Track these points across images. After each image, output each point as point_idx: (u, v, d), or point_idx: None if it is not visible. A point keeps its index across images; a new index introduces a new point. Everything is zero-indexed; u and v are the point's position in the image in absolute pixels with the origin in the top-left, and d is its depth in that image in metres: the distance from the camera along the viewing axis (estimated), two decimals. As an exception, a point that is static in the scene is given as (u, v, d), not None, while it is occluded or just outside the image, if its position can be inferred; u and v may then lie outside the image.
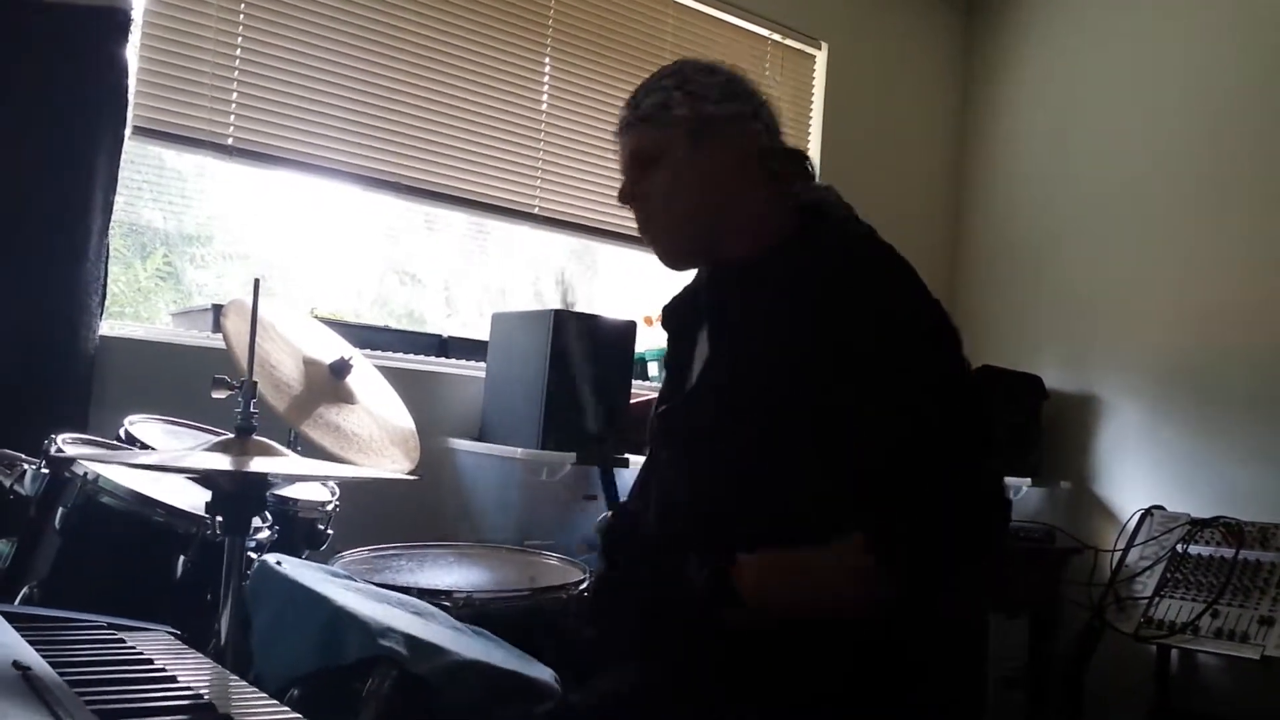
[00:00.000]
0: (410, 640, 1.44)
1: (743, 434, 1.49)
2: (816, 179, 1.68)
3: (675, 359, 1.73)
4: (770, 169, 1.59)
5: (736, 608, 1.39)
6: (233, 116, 2.84)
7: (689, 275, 1.78)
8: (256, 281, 1.71)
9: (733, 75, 1.63)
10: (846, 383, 1.40)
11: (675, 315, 1.78)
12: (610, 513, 1.71)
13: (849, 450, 1.38)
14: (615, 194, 1.72)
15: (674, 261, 1.67)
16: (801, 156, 1.65)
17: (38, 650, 1.00)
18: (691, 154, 1.59)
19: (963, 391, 1.44)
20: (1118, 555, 3.42)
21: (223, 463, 1.54)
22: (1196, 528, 3.28)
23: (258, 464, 1.55)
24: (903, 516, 1.35)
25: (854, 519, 1.36)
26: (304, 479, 2.21)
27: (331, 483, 2.34)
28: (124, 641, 1.13)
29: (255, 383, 1.71)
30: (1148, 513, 3.48)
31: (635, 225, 1.72)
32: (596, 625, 1.72)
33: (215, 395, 1.81)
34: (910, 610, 1.46)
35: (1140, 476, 3.74)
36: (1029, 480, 3.80)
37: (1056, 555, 3.67)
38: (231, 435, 1.66)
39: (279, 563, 1.69)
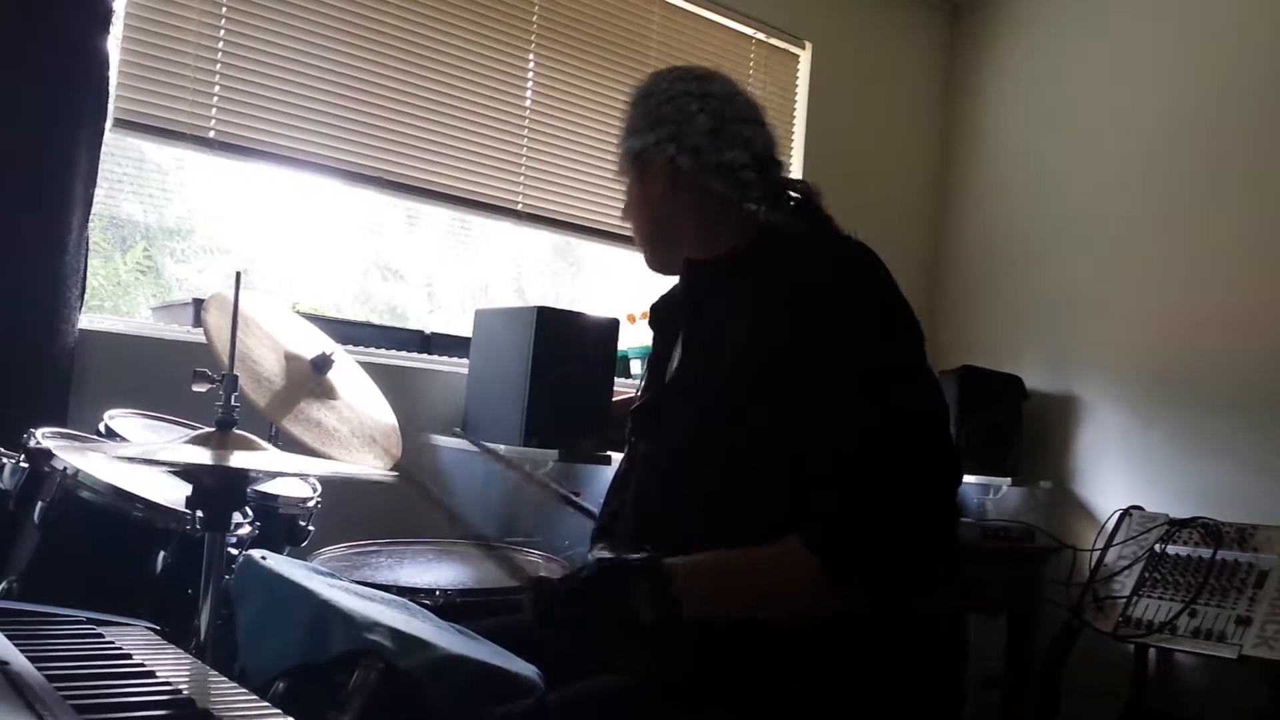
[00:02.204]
0: (396, 634, 1.43)
1: (704, 423, 1.51)
2: (780, 181, 1.68)
3: (657, 356, 1.75)
4: (708, 187, 1.62)
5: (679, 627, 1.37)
6: (214, 109, 2.83)
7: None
8: (238, 275, 1.70)
9: (663, 97, 1.67)
10: (801, 371, 1.41)
11: (660, 313, 1.81)
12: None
13: (805, 439, 1.39)
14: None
15: (652, 269, 1.78)
16: (734, 168, 1.63)
17: (16, 645, 0.99)
18: (635, 178, 1.70)
19: (922, 391, 1.44)
20: (1097, 555, 3.43)
21: (203, 456, 1.53)
22: (1175, 528, 3.30)
23: (238, 458, 1.55)
24: (844, 514, 1.34)
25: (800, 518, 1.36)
26: (284, 475, 2.20)
27: (313, 479, 2.34)
28: (103, 637, 1.12)
29: (236, 377, 1.70)
30: (1127, 513, 3.50)
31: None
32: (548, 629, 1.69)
33: (196, 388, 1.80)
34: (888, 622, 1.48)
35: (1120, 477, 3.76)
36: (1009, 480, 3.81)
37: (1036, 555, 3.69)
38: (212, 429, 1.66)
39: (264, 558, 1.69)
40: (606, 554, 1.54)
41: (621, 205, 1.78)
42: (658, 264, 1.76)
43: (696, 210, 1.65)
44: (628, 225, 1.78)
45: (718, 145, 1.62)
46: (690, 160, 1.62)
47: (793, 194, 1.66)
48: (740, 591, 1.40)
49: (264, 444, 1.70)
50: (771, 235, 1.60)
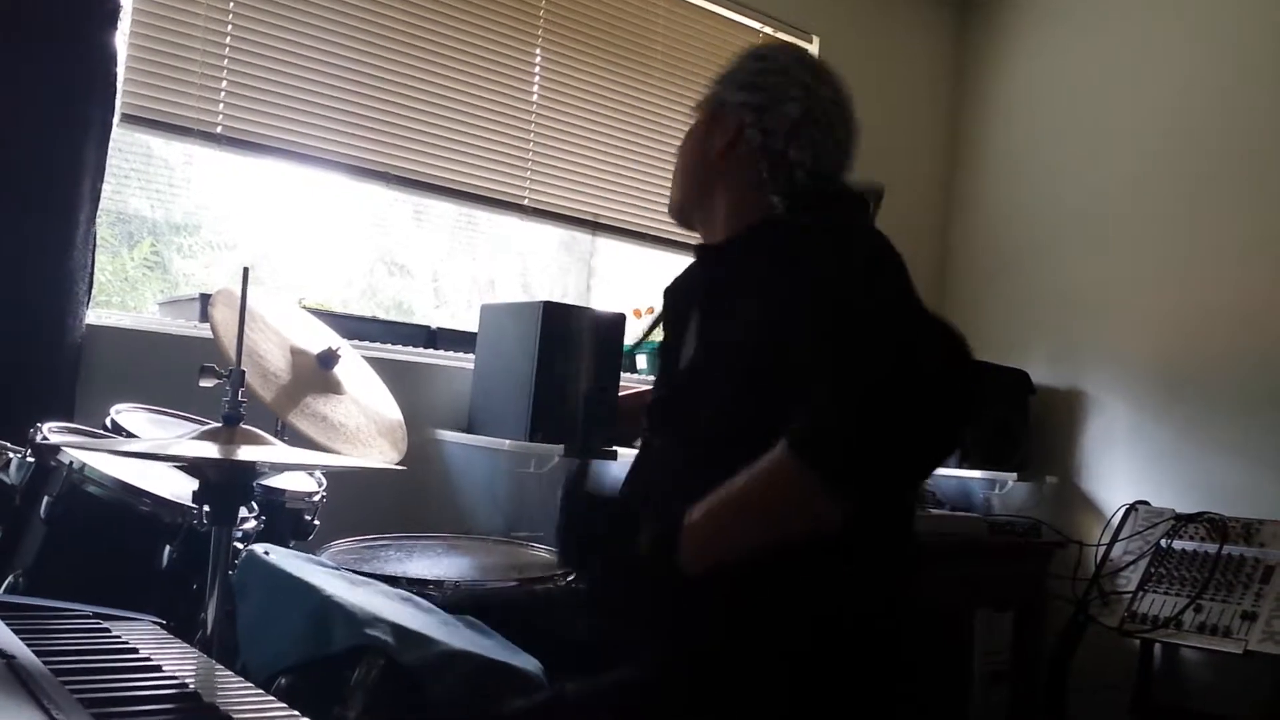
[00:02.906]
0: (398, 630, 1.44)
1: (721, 413, 1.51)
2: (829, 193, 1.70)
3: (668, 344, 1.75)
4: (759, 169, 1.65)
5: (682, 565, 1.37)
6: (222, 105, 2.83)
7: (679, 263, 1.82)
8: (245, 270, 1.71)
9: (771, 67, 1.71)
10: (811, 345, 1.39)
11: (673, 296, 1.81)
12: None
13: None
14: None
15: (670, 211, 1.84)
16: (790, 165, 1.64)
17: (22, 639, 1.00)
18: (706, 124, 1.74)
19: (906, 311, 1.37)
20: (1102, 550, 3.43)
21: (210, 451, 1.53)
22: (1181, 523, 3.30)
23: (245, 453, 1.55)
24: (822, 410, 1.28)
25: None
26: (291, 468, 2.21)
27: (319, 473, 2.34)
28: (109, 631, 1.12)
29: (243, 371, 1.70)
30: (1133, 508, 3.49)
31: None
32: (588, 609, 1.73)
33: (203, 384, 1.80)
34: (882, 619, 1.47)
35: (1126, 472, 3.76)
36: (1015, 475, 3.80)
37: (1042, 549, 3.68)
38: (219, 424, 1.66)
39: (266, 552, 1.69)
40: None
41: (679, 142, 1.81)
42: (678, 206, 1.81)
43: (737, 179, 1.68)
44: (675, 158, 1.82)
45: (791, 137, 1.65)
46: (758, 137, 1.65)
47: (835, 203, 1.69)
48: (738, 506, 1.37)
49: (270, 439, 1.71)
50: (774, 222, 1.62)
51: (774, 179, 1.63)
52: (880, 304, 1.35)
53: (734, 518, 1.38)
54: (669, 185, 1.85)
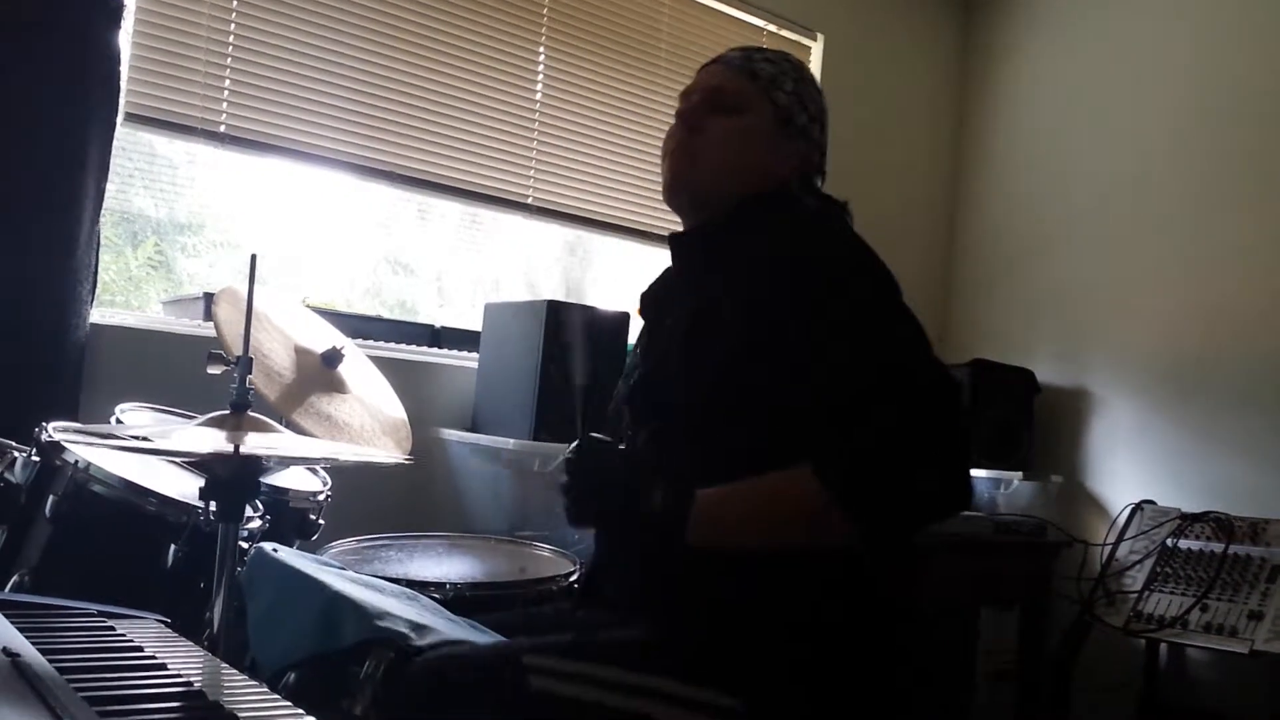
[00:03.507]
0: (409, 623, 1.44)
1: (703, 393, 1.51)
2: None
3: (648, 344, 1.75)
4: (796, 187, 1.68)
5: (692, 531, 1.41)
6: (225, 104, 2.83)
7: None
8: (254, 257, 1.69)
9: (825, 103, 1.76)
10: (788, 322, 1.43)
11: (649, 300, 1.80)
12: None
13: (802, 391, 1.40)
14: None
15: (676, 193, 1.72)
16: (810, 180, 1.73)
17: (28, 638, 1.00)
18: (769, 132, 1.68)
19: (905, 319, 1.43)
20: (1108, 549, 3.43)
21: (217, 438, 1.53)
22: (1186, 522, 3.29)
23: (253, 439, 1.55)
24: (852, 441, 1.32)
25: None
26: (299, 460, 2.21)
27: (323, 472, 2.34)
28: (114, 629, 1.12)
29: (251, 359, 1.70)
30: (1138, 507, 3.49)
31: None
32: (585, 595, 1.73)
33: (211, 370, 1.79)
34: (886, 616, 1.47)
35: (1131, 471, 3.75)
36: (1020, 474, 3.80)
37: (1047, 549, 3.68)
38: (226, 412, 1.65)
39: (275, 550, 1.69)
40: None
41: (707, 113, 1.71)
42: (704, 195, 1.70)
43: (767, 169, 1.68)
44: (699, 145, 1.71)
45: (821, 164, 1.74)
46: (817, 163, 1.73)
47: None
48: (751, 510, 1.42)
49: (278, 426, 1.70)
50: (749, 209, 1.63)
51: (805, 178, 1.71)
52: (903, 339, 1.41)
53: (745, 511, 1.42)
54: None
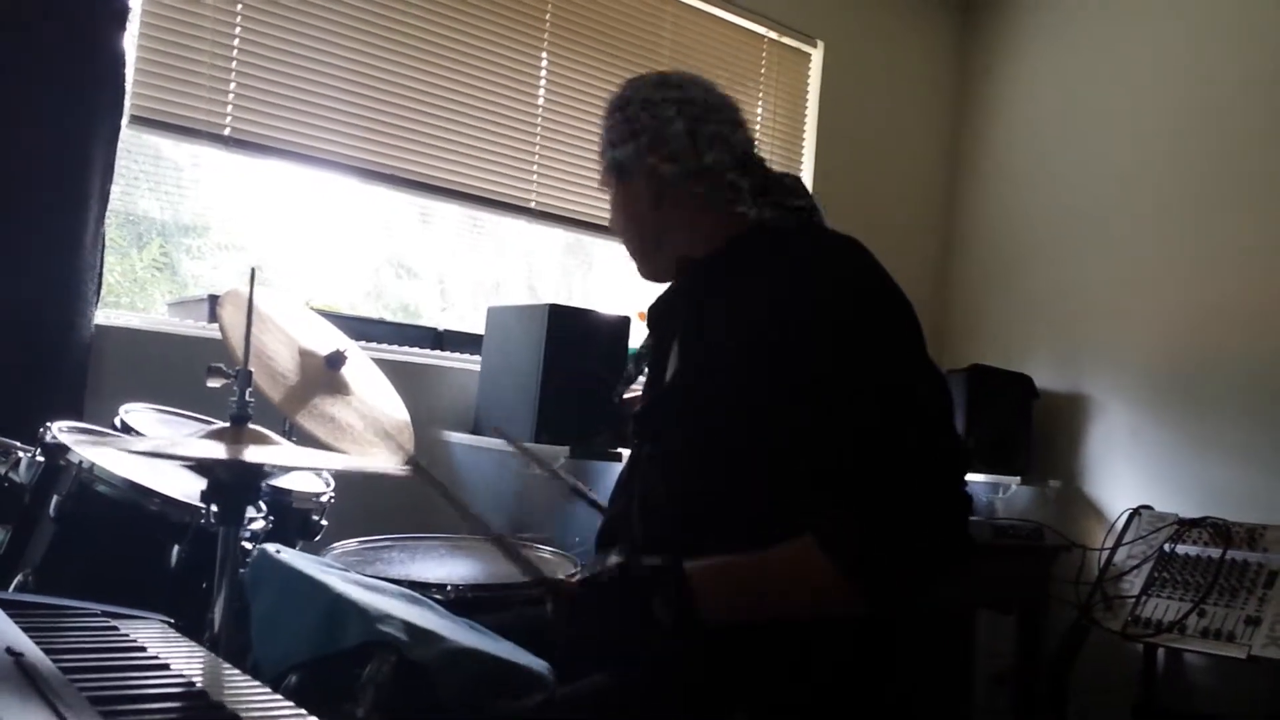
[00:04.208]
0: (409, 627, 1.45)
1: (705, 426, 1.49)
2: (765, 178, 1.66)
3: (655, 359, 1.75)
4: (692, 191, 1.62)
5: (699, 632, 1.37)
6: (230, 107, 2.85)
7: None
8: (253, 270, 1.72)
9: (636, 108, 1.67)
10: (796, 367, 1.39)
11: (656, 314, 1.80)
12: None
13: (807, 436, 1.38)
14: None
15: (644, 278, 1.77)
16: (717, 171, 1.62)
17: (31, 637, 1.00)
18: (619, 193, 1.71)
19: (920, 375, 1.42)
20: (1106, 554, 3.43)
21: (218, 450, 1.54)
22: (1184, 527, 3.29)
23: (252, 452, 1.56)
24: (856, 511, 1.32)
25: (809, 517, 1.35)
26: (297, 469, 2.22)
27: (326, 474, 2.35)
28: (117, 629, 1.13)
29: (250, 372, 1.71)
30: (1136, 512, 3.49)
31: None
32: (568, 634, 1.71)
33: (211, 384, 1.81)
34: (892, 624, 1.47)
35: (1129, 476, 3.76)
36: (1018, 479, 3.81)
37: (1045, 553, 3.68)
38: (226, 424, 1.67)
39: (278, 551, 1.70)
40: (619, 558, 1.54)
41: (609, 218, 1.76)
42: (650, 272, 1.75)
43: (684, 217, 1.64)
44: (616, 238, 1.77)
45: (697, 149, 1.61)
46: (672, 167, 1.61)
47: (778, 190, 1.64)
48: (757, 594, 1.39)
49: (278, 438, 1.72)
50: (760, 232, 1.59)
51: (712, 192, 1.61)
52: (909, 396, 1.39)
53: (753, 593, 1.39)
54: None
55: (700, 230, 1.64)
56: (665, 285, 1.79)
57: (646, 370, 1.77)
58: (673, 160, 1.61)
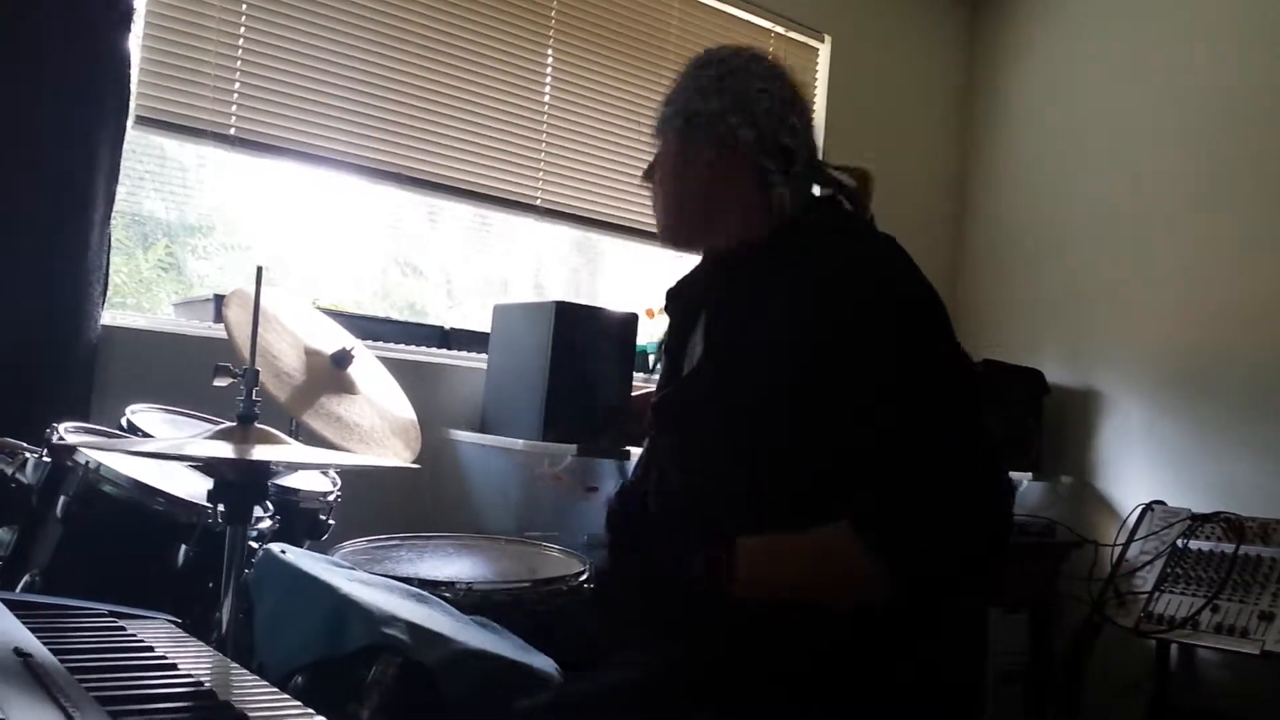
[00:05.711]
0: (414, 629, 1.44)
1: (732, 420, 1.50)
2: (824, 172, 1.68)
3: (674, 344, 1.74)
4: (759, 165, 1.62)
5: (731, 589, 1.40)
6: (235, 106, 2.84)
7: (689, 263, 1.80)
8: (259, 269, 1.71)
9: (727, 68, 1.65)
10: (834, 366, 1.41)
11: (678, 299, 1.80)
12: (615, 496, 1.71)
13: (838, 434, 1.39)
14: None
15: (667, 242, 1.74)
16: (791, 153, 1.64)
17: (39, 637, 1.00)
18: (680, 146, 1.66)
19: (956, 375, 1.44)
20: (1118, 550, 3.42)
21: (224, 450, 1.54)
22: (1197, 523, 3.28)
23: (259, 452, 1.55)
24: (891, 500, 1.34)
25: (844, 503, 1.36)
26: (305, 467, 2.21)
27: (333, 473, 2.35)
28: (125, 629, 1.13)
29: (257, 371, 1.71)
30: (1148, 507, 3.48)
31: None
32: (602, 612, 1.73)
33: (217, 383, 1.81)
34: (914, 610, 1.47)
35: (1141, 471, 3.74)
36: (1030, 475, 3.80)
37: (1057, 549, 3.67)
38: (233, 424, 1.66)
39: (283, 551, 1.70)
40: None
41: (645, 168, 1.73)
42: (675, 235, 1.72)
43: (735, 187, 1.63)
44: (648, 190, 1.74)
45: (779, 126, 1.62)
46: (752, 133, 1.61)
47: (829, 189, 1.67)
48: (795, 570, 1.42)
49: (284, 438, 1.71)
50: (795, 228, 1.59)
51: (773, 176, 1.61)
52: (942, 391, 1.41)
53: (791, 571, 1.43)
54: None
55: (740, 208, 1.63)
56: (676, 269, 1.78)
57: (664, 360, 1.77)
58: (754, 127, 1.61)
